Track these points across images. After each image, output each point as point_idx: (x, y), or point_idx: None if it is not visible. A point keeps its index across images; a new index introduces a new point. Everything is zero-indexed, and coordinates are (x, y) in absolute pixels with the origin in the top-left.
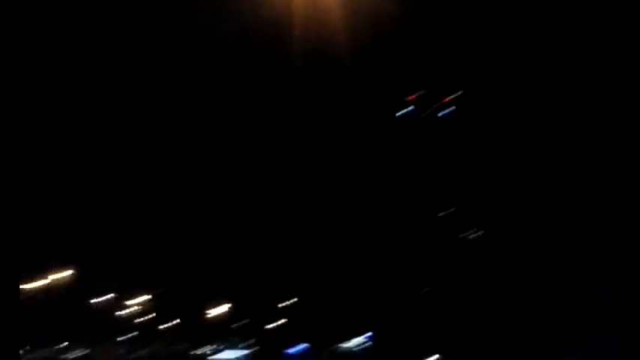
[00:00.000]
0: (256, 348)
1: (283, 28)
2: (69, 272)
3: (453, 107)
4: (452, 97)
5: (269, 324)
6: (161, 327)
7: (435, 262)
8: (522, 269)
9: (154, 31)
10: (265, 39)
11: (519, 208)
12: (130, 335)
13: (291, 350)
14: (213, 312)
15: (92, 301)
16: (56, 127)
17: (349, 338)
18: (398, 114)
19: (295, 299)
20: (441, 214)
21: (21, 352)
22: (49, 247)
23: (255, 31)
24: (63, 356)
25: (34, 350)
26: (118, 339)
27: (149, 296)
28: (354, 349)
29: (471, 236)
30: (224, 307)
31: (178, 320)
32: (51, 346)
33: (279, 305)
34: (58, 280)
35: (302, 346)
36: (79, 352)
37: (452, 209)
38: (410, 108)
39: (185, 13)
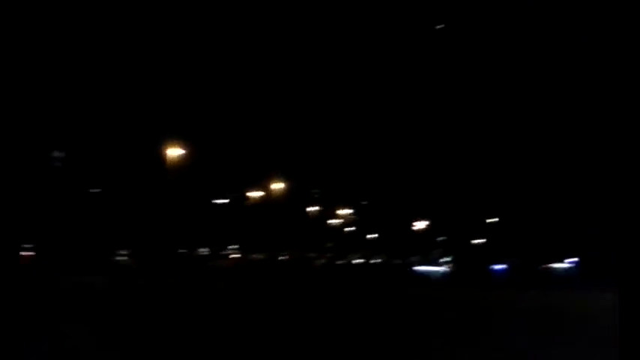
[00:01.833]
0: (456, 263)
1: None
2: (283, 185)
3: None
4: None
5: (469, 241)
6: (364, 237)
7: None
8: None
9: None
10: None
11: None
12: (334, 244)
13: (495, 267)
14: (414, 226)
15: (306, 209)
16: None
17: (553, 260)
18: None
19: (496, 219)
20: None
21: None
22: (267, 163)
23: None
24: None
25: (256, 252)
26: (326, 245)
27: (352, 210)
28: (560, 271)
29: None
30: (424, 223)
31: (379, 233)
32: (267, 249)
33: (480, 223)
34: (275, 190)
35: (503, 265)
36: (290, 255)
37: None
38: None
39: None
